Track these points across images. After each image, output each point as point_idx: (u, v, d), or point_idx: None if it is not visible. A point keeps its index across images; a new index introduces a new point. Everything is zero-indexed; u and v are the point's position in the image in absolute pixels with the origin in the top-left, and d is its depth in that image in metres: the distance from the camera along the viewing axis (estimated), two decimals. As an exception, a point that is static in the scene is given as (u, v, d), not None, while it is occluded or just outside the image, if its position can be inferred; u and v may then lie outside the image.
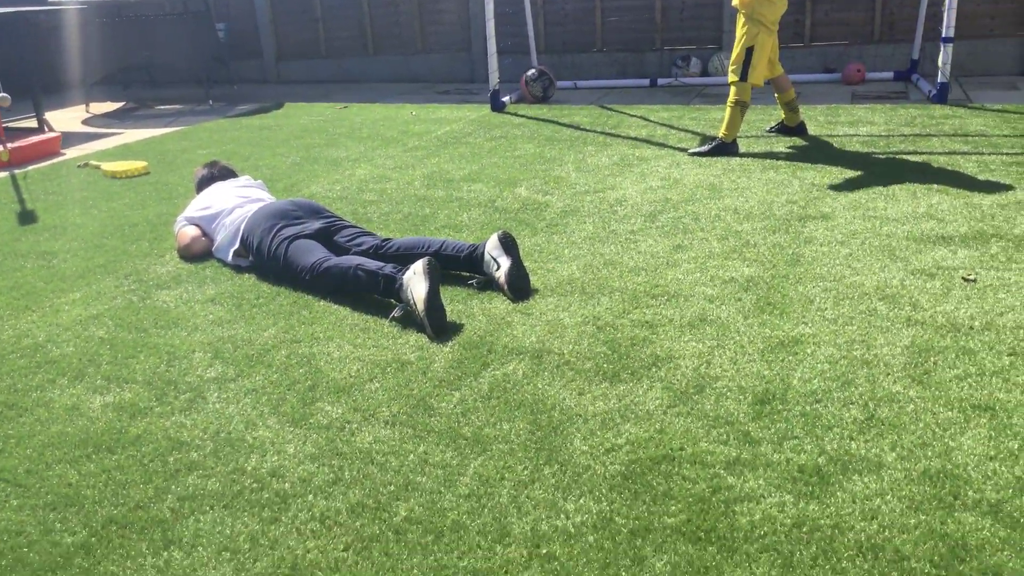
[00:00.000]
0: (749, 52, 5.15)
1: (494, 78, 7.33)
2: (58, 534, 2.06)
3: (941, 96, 6.44)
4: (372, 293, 3.26)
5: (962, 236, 3.67)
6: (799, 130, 5.75)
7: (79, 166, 6.13)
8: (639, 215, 4.23)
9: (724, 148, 5.34)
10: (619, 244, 3.83)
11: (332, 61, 10.08)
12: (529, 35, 8.32)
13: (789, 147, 5.47)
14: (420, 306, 2.99)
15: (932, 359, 2.65)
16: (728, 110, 5.29)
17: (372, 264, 3.27)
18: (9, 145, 6.22)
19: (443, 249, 3.45)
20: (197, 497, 2.18)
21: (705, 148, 5.41)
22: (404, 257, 3.43)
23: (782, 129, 5.82)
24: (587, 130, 6.36)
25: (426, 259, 3.07)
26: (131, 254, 4.09)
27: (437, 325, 2.99)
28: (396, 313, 3.11)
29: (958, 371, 2.57)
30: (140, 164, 5.86)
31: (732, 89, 5.26)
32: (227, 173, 4.37)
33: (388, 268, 3.21)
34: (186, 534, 2.04)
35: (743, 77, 5.19)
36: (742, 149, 5.42)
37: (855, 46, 8.07)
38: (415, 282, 3.05)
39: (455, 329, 3.04)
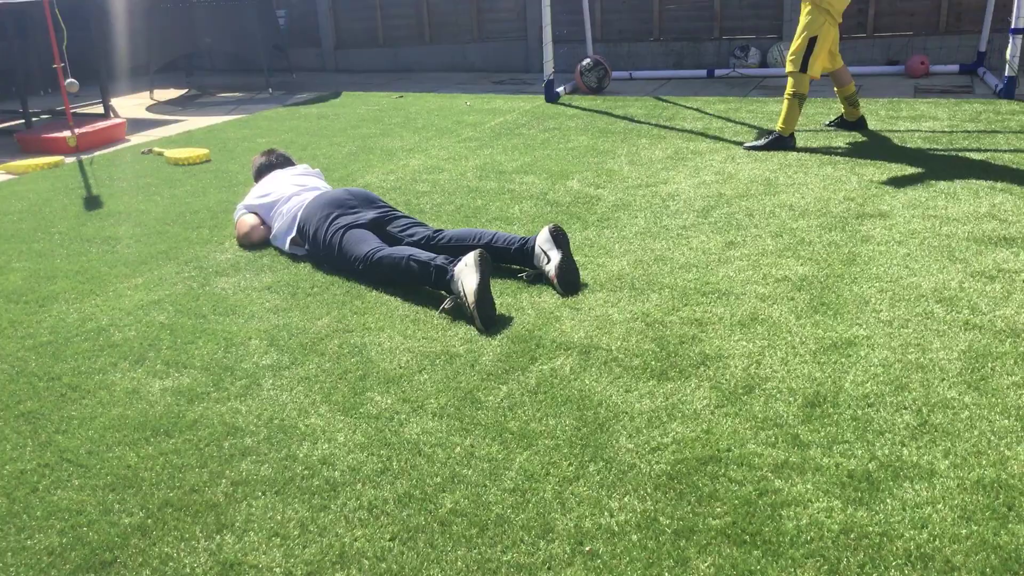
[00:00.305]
0: (812, 42, 5.05)
1: (548, 68, 7.31)
2: (116, 515, 2.14)
3: (1008, 91, 6.26)
4: (423, 284, 3.30)
5: (1026, 237, 3.57)
6: (859, 124, 5.64)
7: (143, 152, 6.28)
8: (691, 210, 4.20)
9: (781, 142, 5.27)
10: (670, 240, 3.81)
11: (389, 50, 10.15)
12: (585, 23, 8.28)
13: (848, 142, 5.37)
14: (470, 298, 3.02)
15: (990, 365, 2.59)
16: (785, 102, 5.21)
17: (424, 255, 3.31)
18: (77, 131, 6.40)
19: (494, 242, 3.47)
20: (250, 482, 2.24)
21: (761, 142, 5.34)
22: (455, 248, 3.46)
23: (841, 123, 5.72)
24: (641, 122, 6.32)
25: (477, 251, 3.09)
26: (192, 241, 4.19)
27: (486, 318, 3.01)
28: (447, 305, 3.14)
29: (1016, 378, 2.51)
30: (202, 151, 5.99)
31: (790, 80, 5.18)
32: (284, 161, 4.44)
33: (440, 259, 3.24)
34: (238, 518, 2.10)
35: (803, 68, 5.10)
36: (799, 143, 5.34)
37: (919, 37, 7.87)
38: (466, 274, 3.07)
39: (504, 322, 3.06)
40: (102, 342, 3.10)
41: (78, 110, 7.61)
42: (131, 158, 6.17)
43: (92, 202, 5.00)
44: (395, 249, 3.43)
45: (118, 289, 3.61)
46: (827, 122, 5.85)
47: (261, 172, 4.39)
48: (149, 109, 8.56)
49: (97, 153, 6.42)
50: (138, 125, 7.50)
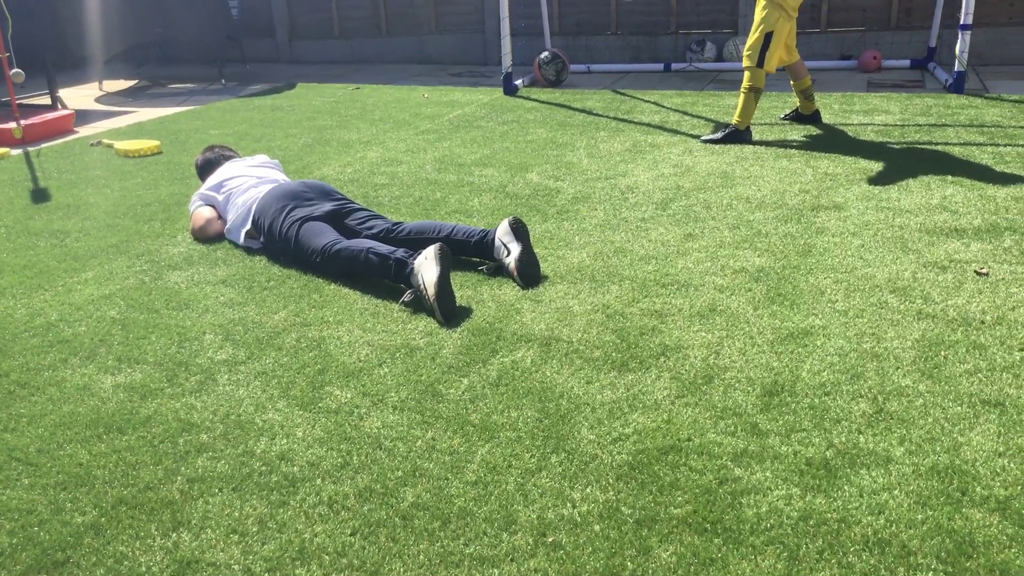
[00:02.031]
0: (768, 37, 5.09)
1: (507, 60, 7.30)
2: (68, 513, 2.08)
3: (958, 86, 6.38)
4: (382, 278, 3.26)
5: (975, 229, 3.64)
6: (813, 118, 5.71)
7: (92, 144, 6.14)
8: (650, 203, 4.22)
9: (737, 135, 5.31)
10: (630, 232, 3.82)
11: (345, 41, 10.05)
12: (543, 16, 8.27)
13: (803, 135, 5.44)
14: (430, 291, 3.00)
15: (943, 353, 2.64)
16: (742, 96, 5.25)
17: (383, 248, 3.27)
18: (23, 122, 6.24)
19: (454, 234, 3.45)
20: (206, 479, 2.20)
21: (718, 135, 5.38)
22: (415, 241, 3.43)
23: (796, 117, 5.79)
24: (600, 115, 6.33)
25: (438, 245, 3.07)
26: (143, 234, 4.10)
27: (447, 311, 2.99)
28: (406, 298, 3.11)
29: (968, 366, 2.56)
30: (153, 143, 5.87)
31: (746, 75, 5.22)
32: (229, 152, 4.37)
33: (399, 252, 3.22)
34: (195, 516, 2.06)
35: (759, 63, 5.14)
36: (755, 137, 5.39)
37: (872, 32, 8.00)
38: (426, 267, 3.05)
39: (464, 315, 3.04)
40: (51, 338, 3.02)
41: (24, 101, 7.41)
42: (80, 150, 6.03)
43: (39, 195, 4.87)
44: (354, 242, 3.39)
45: (68, 284, 3.52)
46: (782, 115, 5.92)
47: (206, 168, 4.31)
48: (98, 100, 8.37)
49: (44, 145, 6.26)
50: (87, 116, 7.33)
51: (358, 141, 5.89)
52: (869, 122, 5.67)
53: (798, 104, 5.73)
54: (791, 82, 5.62)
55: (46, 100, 7.41)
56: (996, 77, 6.98)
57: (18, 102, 6.39)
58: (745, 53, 5.22)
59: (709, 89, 7.21)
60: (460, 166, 5.07)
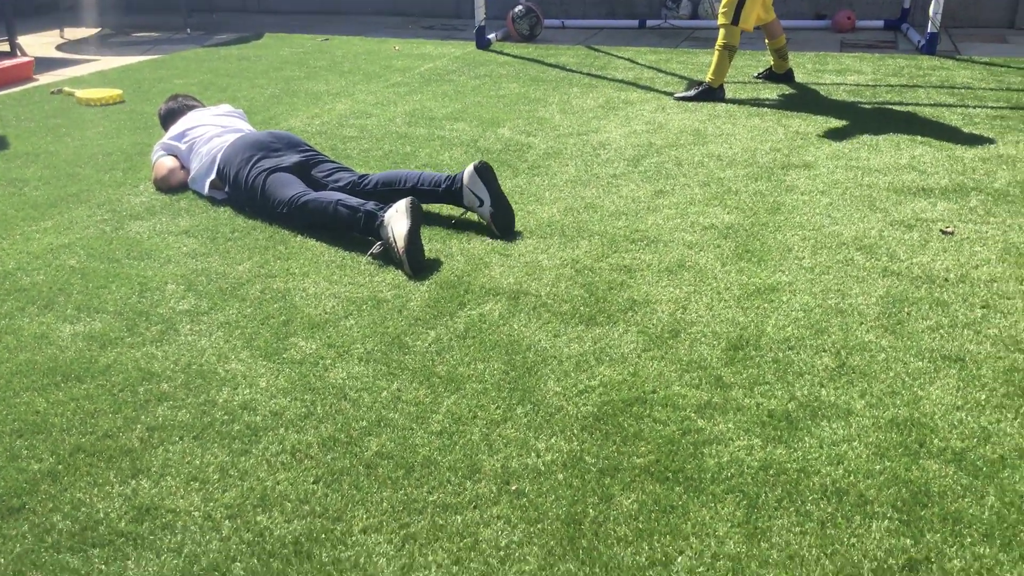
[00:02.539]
0: None
1: (480, 14, 7.19)
2: (24, 460, 2.05)
3: (930, 47, 6.39)
4: (351, 230, 3.22)
5: (942, 189, 3.67)
6: (787, 77, 5.70)
7: (52, 92, 5.98)
8: (622, 159, 4.20)
9: (710, 93, 5.29)
10: (601, 188, 3.80)
11: (315, -8, 9.83)
12: (517, -29, 8.14)
13: (776, 94, 5.42)
14: (400, 243, 2.97)
15: (906, 310, 2.67)
16: (716, 54, 5.21)
17: (353, 200, 3.23)
18: (-20, 68, 6.06)
19: (420, 183, 3.41)
20: (166, 428, 2.17)
21: (691, 93, 5.35)
22: (382, 194, 3.39)
23: (770, 76, 5.77)
24: (573, 71, 6.27)
25: (410, 199, 3.04)
26: (104, 184, 4.02)
27: (415, 264, 2.97)
28: (375, 250, 3.08)
29: (930, 322, 2.59)
30: (115, 92, 5.73)
31: (721, 32, 5.18)
32: (193, 102, 4.28)
33: (369, 205, 3.18)
34: (155, 464, 2.04)
35: (735, 20, 5.10)
36: (728, 95, 5.37)
37: (847, -7, 7.96)
38: (396, 220, 3.01)
39: (432, 268, 3.02)
40: (8, 286, 2.96)
41: (-18, 47, 7.19)
42: (40, 98, 5.87)
43: (-2, 142, 4.75)
44: (322, 194, 3.34)
45: (26, 232, 3.44)
46: (756, 74, 5.89)
47: (169, 118, 4.21)
48: (59, 48, 8.14)
49: (2, 92, 6.09)
50: (47, 64, 7.13)
51: (327, 93, 5.79)
52: (841, 82, 5.67)
53: (772, 63, 5.71)
54: (766, 41, 5.59)
55: (4, 47, 7.20)
56: (968, 40, 7.00)
57: (-25, 47, 6.20)
58: (720, 10, 5.18)
59: (683, 46, 7.16)
60: (431, 120, 5.01)
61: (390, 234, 3.02)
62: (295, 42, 7.87)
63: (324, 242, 3.26)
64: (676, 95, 5.41)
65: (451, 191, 3.37)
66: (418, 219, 3.02)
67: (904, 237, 3.19)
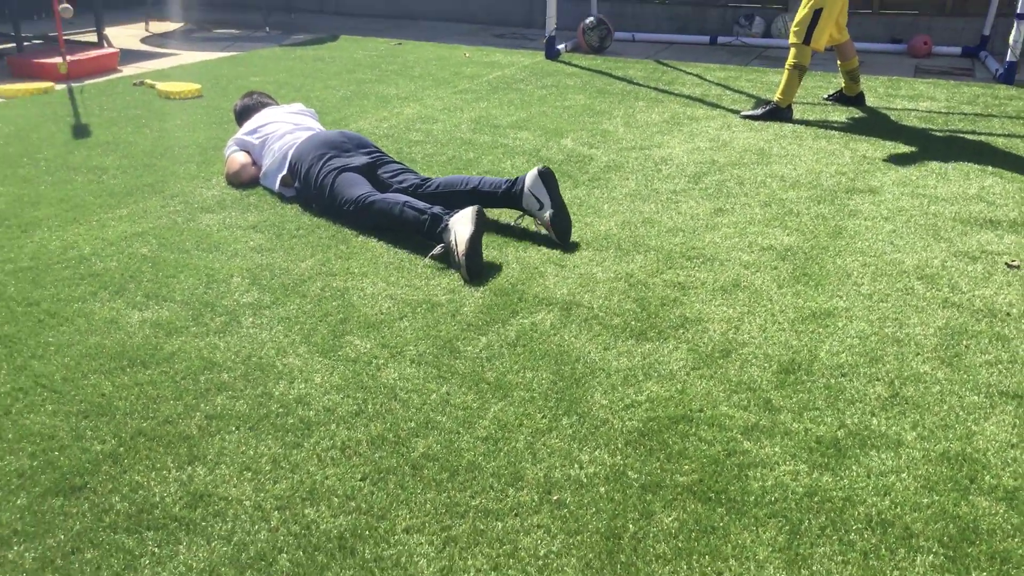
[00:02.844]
0: (817, 13, 4.99)
1: (551, 24, 7.23)
2: (88, 441, 2.14)
3: (1008, 76, 6.23)
4: (415, 232, 3.28)
5: (1011, 221, 3.59)
6: (857, 100, 5.62)
7: (135, 84, 6.20)
8: (683, 175, 4.19)
9: (778, 113, 5.24)
10: (660, 203, 3.81)
11: (390, -4, 9.99)
12: (590, -18, 8.17)
13: (845, 117, 5.35)
14: (461, 247, 3.01)
15: (964, 342, 2.62)
16: (785, 73, 5.17)
17: (420, 204, 3.29)
18: (68, 58, 6.31)
19: (481, 186, 3.46)
20: (224, 417, 2.25)
21: (759, 112, 5.31)
22: (444, 196, 3.45)
23: (840, 98, 5.69)
24: (640, 84, 6.27)
25: (476, 207, 3.09)
26: (179, 175, 4.15)
27: (474, 269, 3.01)
28: (436, 252, 3.13)
29: (989, 357, 2.54)
30: (194, 86, 5.91)
31: (791, 51, 5.13)
32: (268, 99, 4.40)
33: (436, 208, 3.24)
34: (211, 451, 2.11)
35: (806, 40, 5.05)
36: (796, 115, 5.32)
37: (924, 17, 7.81)
38: (460, 224, 3.07)
39: (488, 275, 3.06)
40: (83, 271, 3.09)
41: (71, 37, 7.48)
42: (122, 89, 6.09)
43: (80, 131, 4.94)
44: (389, 195, 3.41)
45: (102, 219, 3.58)
46: (826, 96, 5.82)
47: (244, 114, 4.35)
48: (144, 41, 8.43)
49: (88, 82, 6.33)
50: (131, 56, 7.39)
51: (396, 96, 5.89)
52: (913, 108, 5.57)
53: (843, 85, 5.64)
54: (838, 62, 5.52)
55: (92, 37, 7.48)
56: (1050, 69, 6.81)
57: (65, 38, 6.45)
58: (792, 29, 5.13)
59: (754, 65, 7.10)
60: (495, 127, 5.06)
61: (452, 238, 3.07)
62: (368, 45, 8.01)
63: (384, 243, 3.33)
64: (743, 113, 5.38)
65: (511, 194, 3.41)
66: (481, 226, 3.07)
67: (967, 269, 3.13)
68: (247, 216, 3.63)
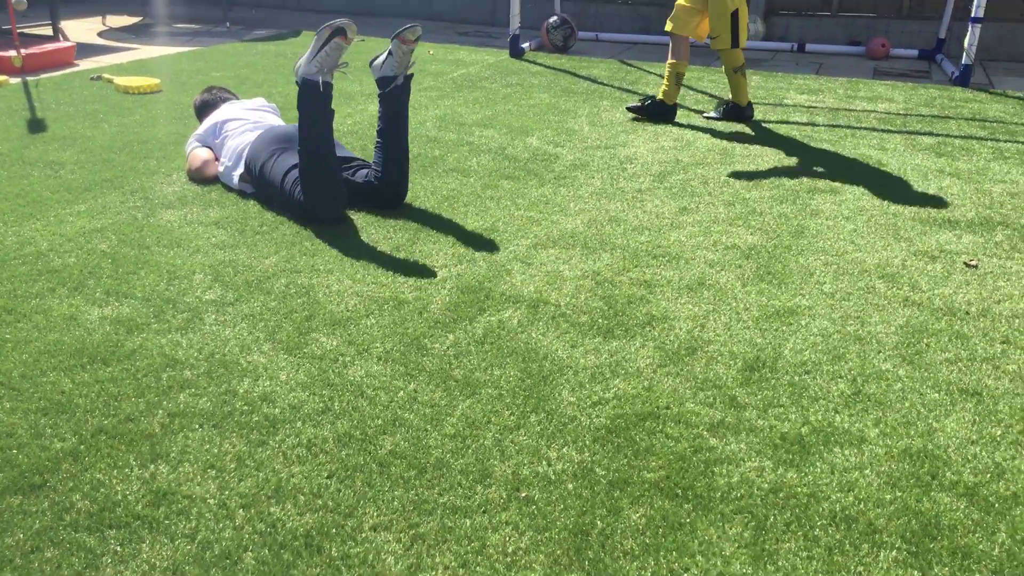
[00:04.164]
0: (734, 16, 5.00)
1: (515, 22, 7.23)
2: (48, 439, 2.10)
3: (964, 79, 6.36)
4: (323, 105, 3.56)
5: (968, 221, 3.66)
6: (672, 112, 5.26)
7: (92, 78, 6.08)
8: (648, 174, 4.22)
9: (738, 111, 5.29)
10: (625, 202, 3.82)
11: (353, -8, 9.92)
12: (554, -18, 8.18)
13: (805, 118, 5.42)
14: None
15: (925, 340, 2.67)
16: (730, 79, 5.20)
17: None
18: (23, 51, 6.17)
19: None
20: (187, 415, 2.21)
21: (720, 112, 5.35)
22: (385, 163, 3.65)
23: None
24: (604, 84, 6.30)
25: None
26: (139, 171, 4.08)
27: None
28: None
29: (949, 354, 2.59)
30: (153, 81, 5.82)
31: (724, 58, 5.11)
32: (228, 94, 4.35)
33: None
34: (174, 449, 2.08)
35: (734, 44, 5.05)
36: (758, 116, 5.37)
37: (882, 20, 7.94)
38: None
39: (454, 273, 3.05)
40: (40, 267, 3.02)
41: (25, 30, 7.32)
42: (79, 83, 5.97)
43: (36, 125, 4.84)
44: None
45: (59, 214, 3.51)
46: (706, 114, 5.44)
47: (203, 109, 4.28)
48: (101, 35, 8.27)
49: (44, 75, 6.20)
50: (88, 50, 7.25)
51: (360, 93, 5.85)
52: (872, 109, 5.66)
53: (664, 89, 5.32)
54: (670, 59, 5.18)
55: (48, 31, 7.32)
56: (1003, 73, 6.96)
57: (19, 31, 6.31)
58: (711, 38, 5.06)
59: (716, 65, 7.17)
60: (461, 125, 5.05)
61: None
62: (331, 41, 7.93)
63: (349, 240, 3.30)
64: (705, 114, 5.42)
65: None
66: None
67: (927, 268, 3.19)
68: (209, 212, 3.57)
